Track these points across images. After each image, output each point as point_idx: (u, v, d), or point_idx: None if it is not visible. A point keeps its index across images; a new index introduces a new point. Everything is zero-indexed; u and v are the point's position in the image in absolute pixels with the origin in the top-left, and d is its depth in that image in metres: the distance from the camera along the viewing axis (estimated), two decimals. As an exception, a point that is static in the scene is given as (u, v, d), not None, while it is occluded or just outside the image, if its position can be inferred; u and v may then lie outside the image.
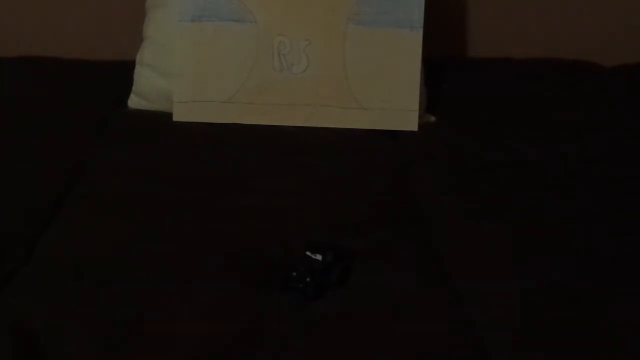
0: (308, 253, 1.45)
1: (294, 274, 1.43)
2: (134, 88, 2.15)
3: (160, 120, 2.07)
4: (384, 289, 1.45)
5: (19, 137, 1.95)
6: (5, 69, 2.31)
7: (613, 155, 1.95)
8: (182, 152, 1.93)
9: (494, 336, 1.36)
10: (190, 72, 2.07)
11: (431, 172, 1.90)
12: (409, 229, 1.65)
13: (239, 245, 1.57)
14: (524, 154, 1.95)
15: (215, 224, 1.63)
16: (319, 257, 1.45)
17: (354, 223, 1.65)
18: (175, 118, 2.07)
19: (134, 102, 2.15)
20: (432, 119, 2.14)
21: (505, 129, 2.07)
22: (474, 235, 1.63)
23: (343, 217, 1.67)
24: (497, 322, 1.39)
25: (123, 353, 1.30)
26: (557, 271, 1.51)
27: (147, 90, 2.13)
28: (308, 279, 1.42)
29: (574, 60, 2.46)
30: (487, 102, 2.21)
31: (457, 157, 1.96)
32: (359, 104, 2.07)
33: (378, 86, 2.07)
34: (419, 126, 2.08)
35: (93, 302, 1.39)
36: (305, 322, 1.37)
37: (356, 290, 1.45)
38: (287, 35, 2.06)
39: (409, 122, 2.08)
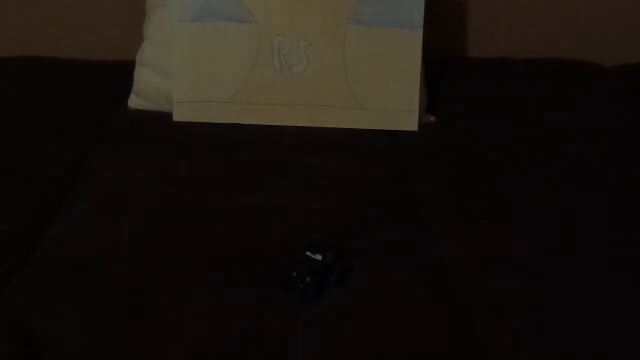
0: (308, 253, 1.45)
1: (294, 274, 1.43)
2: (134, 88, 2.15)
3: (160, 120, 2.07)
4: (384, 289, 1.45)
5: (19, 137, 1.95)
6: (5, 69, 2.31)
7: (613, 155, 1.95)
8: (182, 152, 1.93)
9: (494, 336, 1.36)
10: (190, 72, 2.07)
11: (431, 172, 1.90)
12: (409, 229, 1.65)
13: (239, 245, 1.57)
14: (524, 153, 1.95)
15: (215, 224, 1.63)
16: (319, 257, 1.45)
17: (354, 223, 1.65)
18: (175, 118, 2.07)
19: (134, 102, 2.15)
20: (432, 119, 2.14)
21: (505, 129, 2.07)
22: (474, 235, 1.63)
23: (343, 217, 1.67)
24: (497, 322, 1.39)
25: (123, 353, 1.30)
26: (558, 271, 1.51)
27: (147, 90, 2.13)
28: (308, 279, 1.42)
29: (574, 60, 2.46)
30: (487, 102, 2.21)
31: (457, 157, 1.96)
32: (359, 104, 2.07)
33: (378, 86, 2.07)
34: (419, 126, 2.08)
35: (93, 302, 1.39)
36: (305, 322, 1.37)
37: (356, 290, 1.45)
38: (287, 35, 2.06)
39: (409, 122, 2.08)
